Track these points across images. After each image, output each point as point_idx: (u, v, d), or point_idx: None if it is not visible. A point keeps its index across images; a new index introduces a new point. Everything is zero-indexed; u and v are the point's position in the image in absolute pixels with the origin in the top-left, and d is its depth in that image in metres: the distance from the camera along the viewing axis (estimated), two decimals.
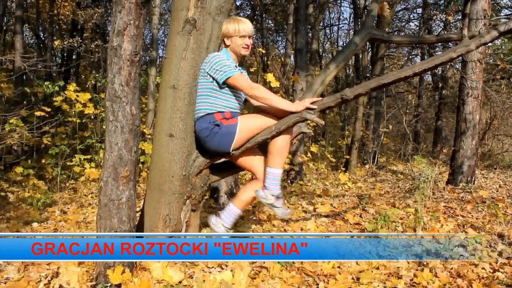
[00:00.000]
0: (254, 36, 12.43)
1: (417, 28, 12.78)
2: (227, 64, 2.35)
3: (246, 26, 2.43)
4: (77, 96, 5.38)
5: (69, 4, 11.73)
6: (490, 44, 4.41)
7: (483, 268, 2.46)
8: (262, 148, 2.60)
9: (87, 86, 6.98)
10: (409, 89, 13.68)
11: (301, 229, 3.40)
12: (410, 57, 11.48)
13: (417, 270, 2.44)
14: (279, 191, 2.41)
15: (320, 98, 2.46)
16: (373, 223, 3.09)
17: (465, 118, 5.88)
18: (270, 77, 5.10)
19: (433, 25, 11.66)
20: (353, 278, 2.34)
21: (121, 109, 2.05)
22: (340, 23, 16.74)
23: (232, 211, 2.51)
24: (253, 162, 2.50)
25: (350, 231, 3.40)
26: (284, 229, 3.40)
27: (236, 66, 2.48)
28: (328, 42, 15.37)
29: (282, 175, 2.46)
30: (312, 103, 2.36)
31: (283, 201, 2.46)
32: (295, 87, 6.30)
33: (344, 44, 14.61)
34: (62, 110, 5.73)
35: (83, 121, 6.01)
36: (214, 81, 2.39)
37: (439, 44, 7.62)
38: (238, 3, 12.19)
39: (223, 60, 2.36)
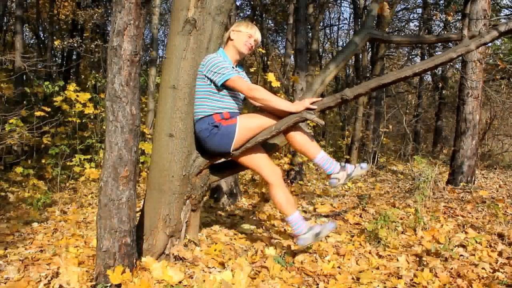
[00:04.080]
0: None
1: (417, 28, 12.78)
2: (224, 66, 2.34)
3: (257, 32, 2.54)
4: (77, 96, 5.38)
5: (69, 4, 11.73)
6: (490, 44, 4.41)
7: (483, 268, 2.46)
8: (265, 146, 2.60)
9: (87, 86, 6.98)
10: (409, 89, 13.68)
11: None
12: (410, 57, 11.47)
13: (417, 270, 2.44)
14: (338, 165, 2.44)
15: (320, 98, 2.46)
16: (373, 223, 3.09)
17: (465, 118, 5.88)
18: (270, 76, 5.09)
19: (433, 25, 11.65)
20: (353, 278, 2.34)
21: (121, 109, 2.05)
22: (340, 23, 16.77)
23: (293, 220, 2.46)
24: (257, 160, 2.49)
25: (350, 231, 3.40)
26: (284, 229, 3.40)
27: (233, 67, 2.48)
28: (328, 42, 15.37)
29: (326, 156, 2.45)
30: (312, 103, 2.36)
31: (350, 165, 2.45)
32: (295, 87, 6.29)
33: (344, 44, 14.61)
34: (62, 110, 5.73)
35: (83, 121, 6.01)
36: (212, 83, 2.39)
37: (439, 44, 7.62)
38: (238, 3, 12.19)
39: (220, 62, 2.35)
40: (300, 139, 2.44)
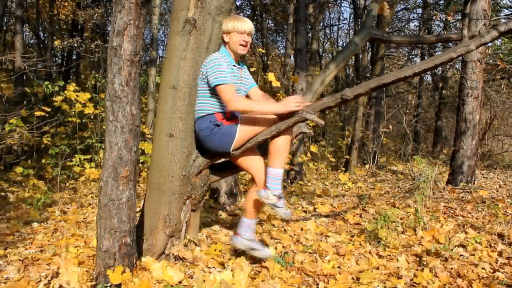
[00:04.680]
0: (254, 36, 12.44)
1: (417, 28, 12.78)
2: (220, 70, 2.32)
3: (245, 23, 2.43)
4: (77, 96, 5.38)
5: (69, 4, 11.73)
6: (490, 44, 4.41)
7: (483, 268, 2.46)
8: (261, 149, 2.60)
9: (87, 86, 6.98)
10: (409, 89, 13.68)
11: (301, 229, 3.41)
12: (410, 57, 11.47)
13: (417, 270, 2.44)
14: (280, 191, 2.41)
15: (317, 101, 2.46)
16: (373, 223, 3.09)
17: (465, 118, 5.88)
18: (271, 76, 5.09)
19: (433, 25, 11.66)
20: (353, 278, 2.34)
21: (121, 109, 2.05)
22: (340, 23, 16.79)
23: (246, 224, 2.51)
24: (251, 163, 2.49)
25: (350, 231, 3.40)
26: (284, 229, 3.40)
27: (234, 65, 2.47)
28: (328, 42, 15.36)
29: (283, 175, 2.45)
30: (311, 106, 2.36)
31: (284, 201, 2.45)
32: (295, 87, 6.29)
33: (344, 44, 14.61)
34: (62, 110, 5.73)
35: (83, 121, 6.01)
36: None
37: (439, 44, 7.62)
38: (238, 3, 12.20)
39: (219, 65, 2.33)
40: (279, 145, 2.37)
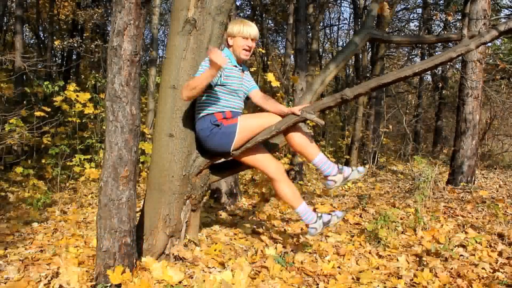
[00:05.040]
0: None
1: (417, 28, 12.79)
2: (206, 65, 2.28)
3: (250, 28, 2.44)
4: (77, 96, 5.38)
5: (69, 4, 11.73)
6: (490, 44, 4.41)
7: (483, 268, 2.46)
8: (267, 145, 2.60)
9: (87, 86, 6.98)
10: (409, 89, 13.68)
11: (301, 229, 3.41)
12: (410, 57, 11.47)
13: (417, 270, 2.44)
14: (336, 168, 2.47)
15: (316, 101, 2.46)
16: (373, 223, 3.09)
17: (465, 118, 5.88)
18: (270, 76, 5.10)
19: (433, 25, 11.66)
20: (353, 278, 2.34)
21: (121, 109, 2.05)
22: (340, 23, 16.79)
23: (301, 212, 2.52)
24: (260, 159, 2.50)
25: (350, 231, 3.40)
26: (284, 229, 3.40)
27: (236, 65, 2.48)
28: (328, 42, 15.37)
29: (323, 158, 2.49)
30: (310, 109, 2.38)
31: (347, 168, 2.50)
32: (295, 87, 6.30)
33: (344, 44, 14.61)
34: (62, 110, 5.73)
35: (83, 121, 6.01)
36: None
37: (439, 44, 7.62)
38: (238, 3, 12.20)
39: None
40: (299, 140, 2.46)
